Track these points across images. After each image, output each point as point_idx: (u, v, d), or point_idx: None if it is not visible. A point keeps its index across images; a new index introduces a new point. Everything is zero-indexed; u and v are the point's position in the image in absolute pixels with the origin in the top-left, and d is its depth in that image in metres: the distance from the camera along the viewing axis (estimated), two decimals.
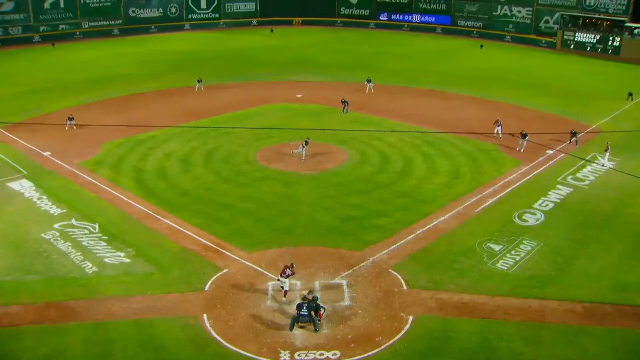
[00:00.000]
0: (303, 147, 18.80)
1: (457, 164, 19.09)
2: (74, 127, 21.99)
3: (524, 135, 20.16)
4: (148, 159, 19.23)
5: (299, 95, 28.75)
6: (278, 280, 11.00)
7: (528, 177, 17.80)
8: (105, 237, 13.47)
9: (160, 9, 59.16)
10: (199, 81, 30.14)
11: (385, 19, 62.91)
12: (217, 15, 62.43)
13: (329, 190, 16.65)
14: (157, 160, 19.10)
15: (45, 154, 19.30)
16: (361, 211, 15.12)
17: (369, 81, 29.79)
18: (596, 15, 44.80)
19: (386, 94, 29.78)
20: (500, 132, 21.83)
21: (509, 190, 16.80)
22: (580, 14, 46.09)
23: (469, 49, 48.17)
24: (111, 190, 16.40)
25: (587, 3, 46.41)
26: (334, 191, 16.61)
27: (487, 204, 15.79)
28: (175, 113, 25.11)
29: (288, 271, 10.90)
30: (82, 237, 13.30)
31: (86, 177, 17.47)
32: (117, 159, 19.19)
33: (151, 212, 15.00)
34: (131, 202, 15.68)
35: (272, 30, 56.99)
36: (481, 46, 48.32)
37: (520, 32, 54.23)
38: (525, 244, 13.30)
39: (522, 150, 19.96)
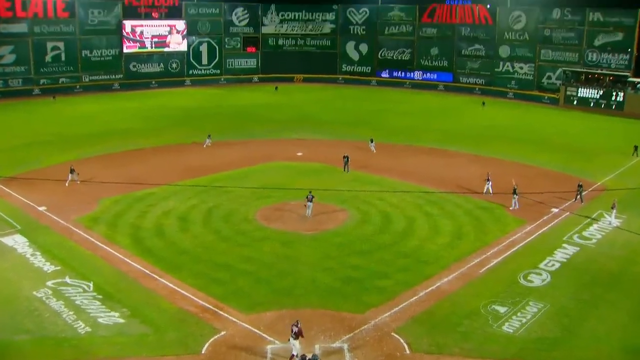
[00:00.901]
0: (309, 200, 19.26)
1: (460, 223, 19.73)
2: (77, 182, 22.74)
3: (514, 192, 20.80)
4: (146, 217, 19.79)
5: (299, 154, 30.20)
6: (288, 341, 11.34)
7: (533, 236, 18.33)
8: (100, 296, 13.71)
9: (162, 64, 62.33)
10: (208, 137, 31.71)
11: (387, 76, 66.29)
12: (218, 71, 66.35)
13: (329, 250, 17.14)
14: (156, 218, 19.67)
15: (40, 208, 19.94)
16: (362, 272, 15.58)
17: (371, 141, 31.24)
18: (599, 71, 46.59)
19: (387, 152, 31.13)
20: (490, 189, 22.48)
21: (513, 250, 17.30)
22: (582, 70, 47.95)
23: (471, 105, 50.60)
24: (107, 248, 16.77)
25: (589, 59, 48.48)
26: (335, 252, 17.10)
27: (491, 264, 16.24)
28: (175, 170, 26.23)
29: (295, 329, 11.12)
30: (76, 296, 13.56)
31: (82, 233, 17.88)
32: (115, 215, 19.74)
33: (148, 272, 15.35)
34: (127, 260, 15.99)
35: (276, 88, 59.69)
36: (483, 103, 50.65)
37: (522, 89, 57.16)
38: (531, 306, 13.64)
39: (515, 208, 20.51)
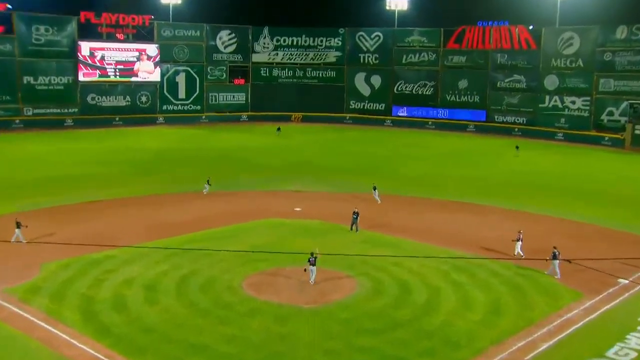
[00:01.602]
0: (311, 264, 19.36)
1: (497, 295, 19.21)
2: (23, 242, 22.18)
3: (554, 256, 20.22)
4: (102, 286, 19.18)
5: (297, 209, 30.85)
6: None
7: (595, 314, 17.44)
8: None
9: (128, 97, 62.11)
10: (207, 182, 33.51)
11: (405, 114, 67.87)
12: (199, 107, 67.53)
13: (333, 328, 16.54)
14: (115, 288, 19.08)
15: None
16: (374, 356, 14.86)
17: (374, 189, 32.38)
18: None
19: (405, 206, 32.04)
20: (521, 251, 22.61)
21: (569, 331, 16.38)
22: None
23: (508, 149, 52.43)
24: (48, 327, 15.72)
25: None
26: (340, 330, 16.45)
27: (540, 349, 15.36)
28: (142, 227, 26.38)
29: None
30: None
31: (14, 308, 16.80)
32: (62, 284, 18.92)
33: (101, 356, 14.46)
34: (75, 342, 15.00)
35: (279, 130, 61.06)
36: (517, 147, 49.20)
37: (575, 128, 56.64)
38: None
39: (556, 277, 20.10)
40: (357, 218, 26.58)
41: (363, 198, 33.11)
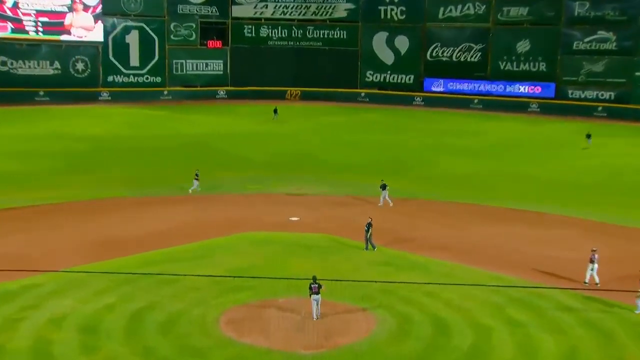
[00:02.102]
0: (314, 292, 19.61)
1: (573, 340, 18.86)
2: None
3: None
4: (18, 329, 18.67)
5: (294, 218, 31.48)
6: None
7: None
8: None
9: (57, 62, 61.08)
10: (196, 176, 35.53)
11: (442, 89, 68.56)
12: (159, 79, 67.80)
13: None
14: (37, 331, 18.61)
15: None
16: None
17: (383, 187, 33.48)
18: None
19: (441, 216, 32.54)
20: (595, 277, 22.93)
21: None
22: None
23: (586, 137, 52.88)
24: None
25: None
26: None
27: None
28: (78, 245, 26.22)
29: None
30: None
31: None
32: None
33: None
34: None
35: (276, 112, 62.28)
36: (588, 136, 48.50)
37: None
38: None
39: None
40: (370, 230, 26.75)
41: (377, 202, 33.94)
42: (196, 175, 35.94)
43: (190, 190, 35.57)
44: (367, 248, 26.82)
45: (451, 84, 70.86)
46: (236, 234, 28.89)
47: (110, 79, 67.40)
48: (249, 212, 32.54)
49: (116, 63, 67.19)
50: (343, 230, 29.46)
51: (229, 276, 21.40)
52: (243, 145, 50.29)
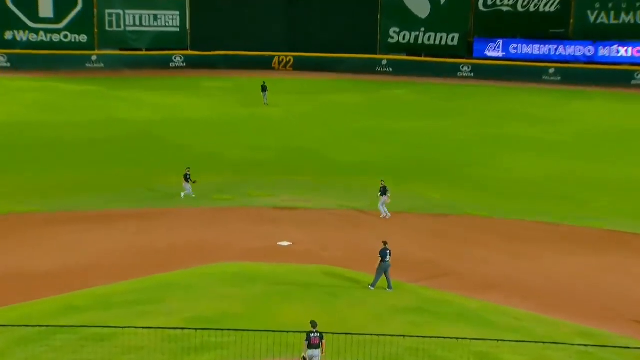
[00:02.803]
0: (312, 343, 19.92)
1: None
2: None
3: None
4: None
5: (284, 243, 31.60)
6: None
7: None
8: None
9: None
10: (186, 176, 37.60)
11: (500, 54, 71.77)
12: (84, 38, 70.72)
13: None
14: None
15: None
16: None
17: (383, 192, 35.04)
18: None
19: (499, 239, 33.00)
20: None
21: None
22: None
23: None
24: None
25: None
26: None
27: None
28: None
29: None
30: None
31: None
32: None
33: None
34: None
35: (265, 90, 64.04)
36: None
37: None
38: None
39: None
40: (386, 256, 26.40)
41: (404, 220, 34.49)
42: (187, 175, 37.17)
43: (182, 195, 37.21)
44: (390, 287, 26.64)
45: (515, 46, 71.25)
46: (199, 266, 28.68)
47: (9, 36, 66.91)
48: (218, 234, 32.47)
49: (18, 13, 66.77)
50: (354, 260, 29.23)
51: (189, 329, 21.68)
52: (210, 138, 50.55)
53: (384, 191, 34.97)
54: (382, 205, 35.09)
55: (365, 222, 34.69)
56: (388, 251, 26.50)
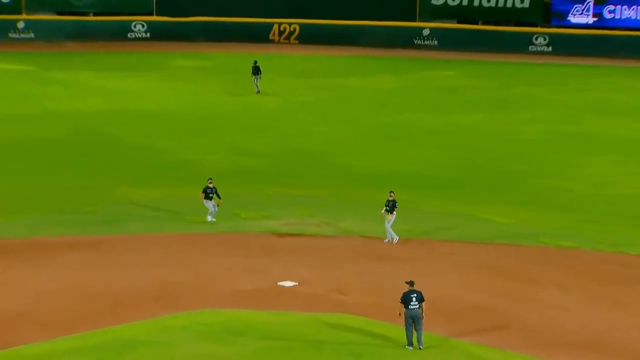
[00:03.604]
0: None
1: None
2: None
3: None
4: None
5: (286, 283, 31.68)
6: None
7: None
8: None
9: None
10: (209, 190, 38.53)
11: (589, 21, 73.79)
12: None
13: None
14: None
15: None
16: None
17: (391, 207, 35.67)
18: None
19: (585, 278, 33.11)
20: None
21: None
22: None
23: None
24: None
25: None
26: None
27: None
28: None
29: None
30: None
31: None
32: None
33: None
34: None
35: (257, 72, 65.06)
36: None
37: None
38: None
39: None
40: (409, 302, 26.51)
41: (450, 252, 35.05)
42: (208, 189, 37.94)
43: (209, 218, 38.03)
44: (420, 344, 26.60)
45: (610, 8, 71.90)
46: (169, 316, 28.69)
47: None
48: (195, 271, 32.55)
49: None
50: (383, 306, 28.78)
51: None
52: (184, 138, 51.30)
53: (392, 207, 35.64)
54: (389, 224, 35.84)
55: (397, 253, 34.82)
56: (414, 295, 26.59)
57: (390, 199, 35.85)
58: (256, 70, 64.07)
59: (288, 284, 31.56)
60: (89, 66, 68.94)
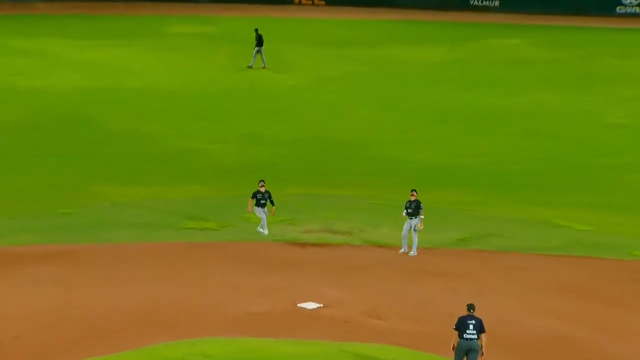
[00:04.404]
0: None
1: None
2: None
3: None
4: None
5: (307, 305, 31.85)
6: None
7: None
8: None
9: None
10: (259, 199, 38.97)
11: None
12: None
13: None
14: None
15: None
16: None
17: (415, 210, 36.61)
18: None
19: None
20: None
21: None
22: None
23: None
24: None
25: None
26: None
27: None
28: None
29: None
30: None
31: None
32: None
33: None
34: None
35: (260, 43, 65.86)
36: None
37: None
38: None
39: None
40: (465, 330, 26.57)
41: (521, 266, 35.56)
42: (259, 194, 38.31)
43: (259, 230, 38.50)
44: None
45: None
46: (162, 344, 28.76)
47: None
48: (193, 290, 32.76)
49: None
50: (432, 334, 29.09)
51: None
52: (180, 123, 51.80)
53: (416, 209, 36.08)
54: (411, 233, 36.41)
55: (448, 268, 35.34)
56: (472, 322, 26.63)
57: (412, 199, 36.48)
58: (259, 40, 64.75)
59: (310, 305, 31.68)
60: (64, 33, 69.49)
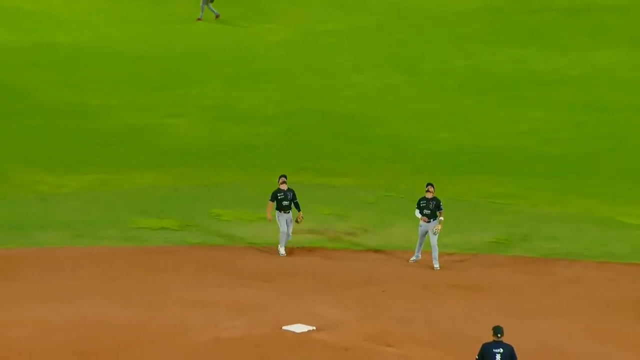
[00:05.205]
0: None
1: None
2: None
3: None
4: None
5: (298, 329, 32.34)
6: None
7: None
8: None
9: None
10: (281, 201, 39.74)
11: None
12: None
13: None
14: None
15: None
16: None
17: (434, 211, 38.27)
18: None
19: None
20: None
21: None
22: None
23: None
24: None
25: None
26: None
27: None
28: None
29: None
30: None
31: None
32: None
33: None
34: None
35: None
36: None
37: None
38: None
39: None
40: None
41: (574, 277, 36.96)
42: (281, 191, 39.20)
43: (281, 250, 38.77)
44: None
45: None
46: None
47: None
48: (152, 308, 33.56)
49: None
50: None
51: None
52: (131, 90, 51.86)
53: (434, 209, 37.67)
54: (429, 239, 37.77)
55: (476, 279, 37.02)
56: (499, 351, 27.02)
57: (429, 196, 37.74)
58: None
59: (300, 328, 32.12)
60: None
